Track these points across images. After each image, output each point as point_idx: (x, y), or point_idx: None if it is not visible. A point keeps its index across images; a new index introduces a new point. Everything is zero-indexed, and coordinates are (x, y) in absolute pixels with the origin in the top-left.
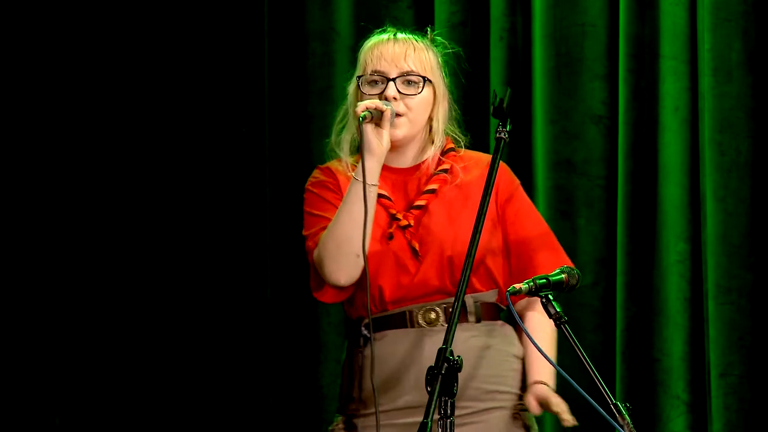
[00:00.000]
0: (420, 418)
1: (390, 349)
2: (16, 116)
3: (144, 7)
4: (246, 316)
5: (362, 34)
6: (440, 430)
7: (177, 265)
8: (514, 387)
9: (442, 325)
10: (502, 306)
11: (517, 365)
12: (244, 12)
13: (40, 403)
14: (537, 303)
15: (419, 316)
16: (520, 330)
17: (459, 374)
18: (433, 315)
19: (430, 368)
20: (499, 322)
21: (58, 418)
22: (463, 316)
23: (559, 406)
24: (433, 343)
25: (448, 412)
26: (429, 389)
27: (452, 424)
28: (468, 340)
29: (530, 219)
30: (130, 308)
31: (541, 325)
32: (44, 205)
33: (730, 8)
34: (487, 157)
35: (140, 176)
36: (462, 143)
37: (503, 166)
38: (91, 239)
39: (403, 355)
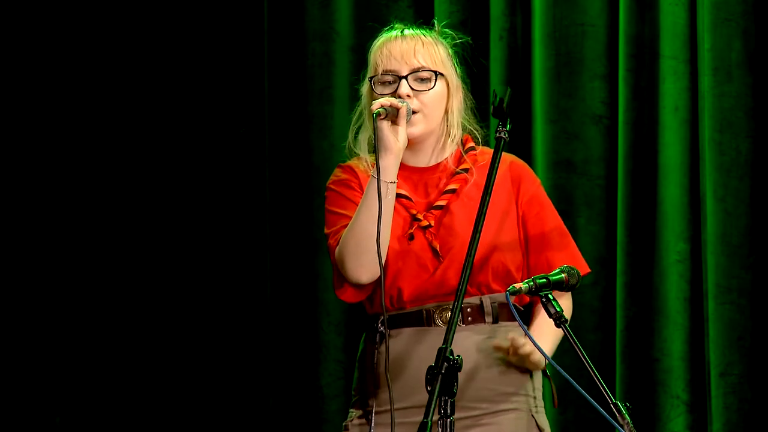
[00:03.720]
0: (434, 417)
1: (406, 347)
2: (17, 117)
3: (144, 7)
4: (246, 316)
5: (362, 33)
6: (440, 429)
7: (177, 264)
8: (529, 389)
9: (459, 324)
10: (520, 307)
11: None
12: (244, 12)
13: (40, 403)
14: (560, 296)
15: (436, 316)
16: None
17: (473, 375)
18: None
19: (430, 368)
20: (518, 323)
21: (59, 418)
22: (480, 317)
23: (524, 348)
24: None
25: (448, 411)
26: (429, 389)
27: (452, 423)
28: (483, 341)
29: (549, 219)
30: (130, 308)
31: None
32: (44, 205)
33: (730, 8)
34: (507, 156)
35: (140, 176)
36: (479, 137)
37: (524, 166)
38: (92, 239)
39: (418, 353)
